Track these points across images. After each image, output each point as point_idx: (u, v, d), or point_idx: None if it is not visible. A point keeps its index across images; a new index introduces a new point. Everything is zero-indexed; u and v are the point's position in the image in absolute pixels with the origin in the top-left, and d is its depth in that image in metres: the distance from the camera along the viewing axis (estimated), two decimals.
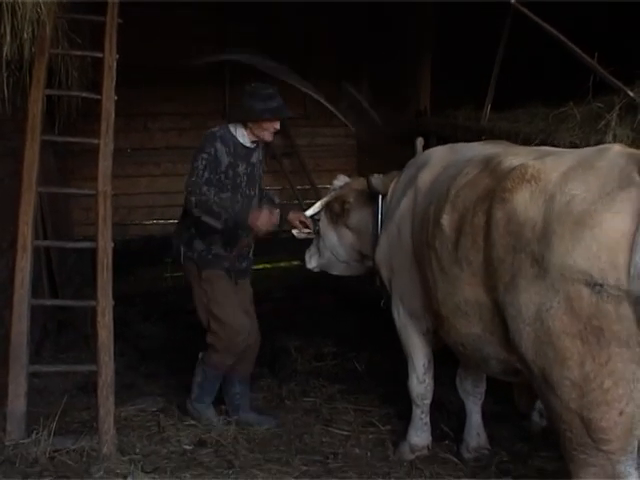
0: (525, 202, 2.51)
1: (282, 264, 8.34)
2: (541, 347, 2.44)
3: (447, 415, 4.28)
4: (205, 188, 3.90)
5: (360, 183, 4.27)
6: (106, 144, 3.97)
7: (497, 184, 2.68)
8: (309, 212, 4.35)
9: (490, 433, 3.94)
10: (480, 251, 2.71)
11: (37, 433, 3.56)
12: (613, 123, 4.87)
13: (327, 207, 4.36)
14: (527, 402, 3.78)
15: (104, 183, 3.91)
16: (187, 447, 3.92)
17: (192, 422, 4.20)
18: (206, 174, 3.96)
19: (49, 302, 5.38)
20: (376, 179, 4.06)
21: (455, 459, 3.84)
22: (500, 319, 2.68)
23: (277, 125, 4.11)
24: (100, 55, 4.17)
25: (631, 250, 2.21)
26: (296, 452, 3.95)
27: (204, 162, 3.97)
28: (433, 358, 3.83)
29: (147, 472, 3.52)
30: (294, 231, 4.44)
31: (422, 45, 7.78)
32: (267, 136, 4.13)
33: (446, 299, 3.02)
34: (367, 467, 3.78)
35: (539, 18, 5.18)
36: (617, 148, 2.53)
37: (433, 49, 7.68)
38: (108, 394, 3.64)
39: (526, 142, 5.38)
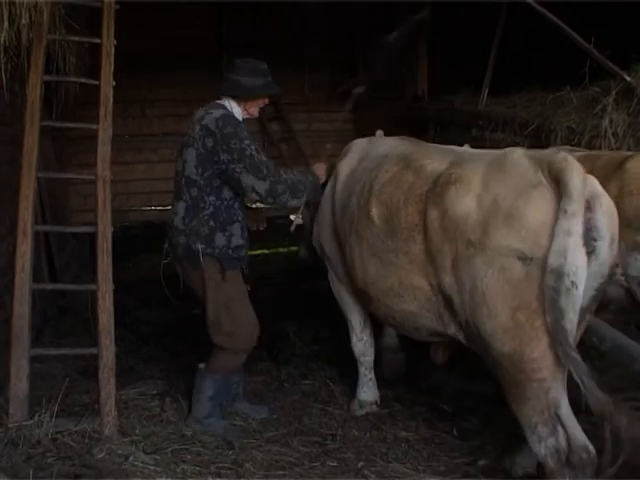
0: (454, 200, 3.06)
1: (280, 249, 8.38)
2: (477, 308, 2.98)
3: (445, 397, 4.33)
4: (282, 171, 3.80)
5: None
6: (105, 129, 3.98)
7: (427, 188, 3.22)
8: None
9: (488, 414, 4.00)
10: (417, 244, 3.22)
11: (39, 415, 3.59)
12: (609, 108, 4.90)
13: None
14: (443, 356, 4.12)
15: (103, 168, 3.92)
16: (187, 429, 3.97)
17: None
18: (262, 157, 3.76)
19: (50, 286, 5.41)
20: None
21: (452, 440, 3.90)
22: (439, 298, 3.20)
23: (267, 100, 4.01)
24: (98, 41, 4.17)
25: (550, 234, 2.81)
26: (295, 433, 4.00)
27: (252, 146, 3.74)
28: (368, 317, 4.19)
29: (148, 453, 3.57)
30: (292, 216, 4.45)
31: (419, 30, 7.76)
32: (257, 112, 3.99)
33: (377, 281, 3.47)
34: (365, 448, 3.84)
35: (536, 3, 5.19)
36: (519, 152, 3.10)
37: (430, 33, 7.67)
38: (109, 376, 3.67)
39: (523, 127, 5.42)
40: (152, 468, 3.42)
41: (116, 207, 5.34)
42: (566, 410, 2.89)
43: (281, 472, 3.56)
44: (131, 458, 3.45)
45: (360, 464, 3.64)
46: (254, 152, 3.71)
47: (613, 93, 4.91)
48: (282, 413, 4.29)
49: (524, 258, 2.84)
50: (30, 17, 4.02)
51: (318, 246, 4.25)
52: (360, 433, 4.02)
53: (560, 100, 5.44)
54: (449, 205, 3.07)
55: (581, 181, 2.82)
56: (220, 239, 3.85)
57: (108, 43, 4.11)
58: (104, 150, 3.96)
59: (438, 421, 4.11)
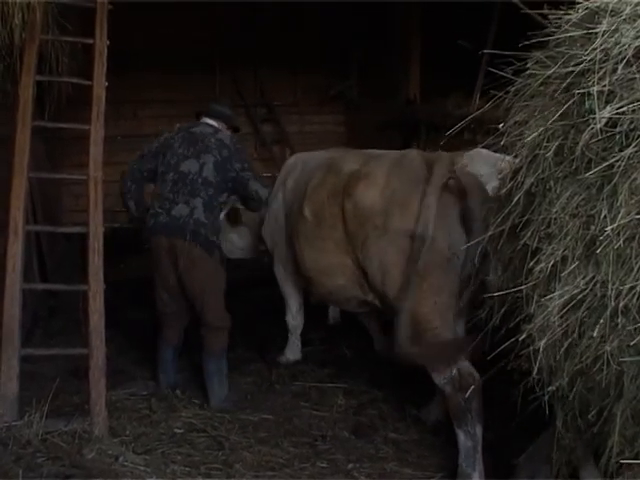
0: (362, 193, 3.79)
1: None
2: (383, 277, 3.73)
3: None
4: None
5: None
6: (97, 130, 4.00)
7: (342, 185, 3.91)
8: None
9: None
10: (339, 230, 3.92)
11: (29, 415, 3.59)
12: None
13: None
14: (374, 325, 5.08)
15: (95, 169, 3.93)
16: (178, 430, 3.98)
17: (182, 405, 4.27)
18: None
19: (41, 286, 5.40)
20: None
21: (441, 442, 3.91)
22: (359, 272, 3.90)
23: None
24: (91, 41, 4.18)
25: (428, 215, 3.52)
26: (285, 434, 4.02)
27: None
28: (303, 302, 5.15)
29: (138, 453, 3.58)
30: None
31: (411, 33, 7.80)
32: None
33: (313, 265, 4.19)
34: (354, 449, 3.86)
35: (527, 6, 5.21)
36: (414, 153, 3.94)
37: (422, 37, 7.70)
38: (99, 377, 3.68)
39: None
40: (142, 468, 3.43)
41: (108, 208, 5.34)
42: None
43: (271, 473, 3.58)
44: (121, 458, 3.46)
45: (350, 465, 3.66)
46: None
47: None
48: (272, 414, 4.30)
49: (412, 235, 3.57)
50: (23, 17, 4.03)
51: (269, 243, 5.10)
52: (350, 434, 4.04)
53: None
54: (358, 197, 3.80)
55: (440, 172, 3.59)
56: (219, 233, 4.56)
57: (101, 43, 4.13)
58: (96, 151, 3.97)
59: (427, 423, 4.13)
